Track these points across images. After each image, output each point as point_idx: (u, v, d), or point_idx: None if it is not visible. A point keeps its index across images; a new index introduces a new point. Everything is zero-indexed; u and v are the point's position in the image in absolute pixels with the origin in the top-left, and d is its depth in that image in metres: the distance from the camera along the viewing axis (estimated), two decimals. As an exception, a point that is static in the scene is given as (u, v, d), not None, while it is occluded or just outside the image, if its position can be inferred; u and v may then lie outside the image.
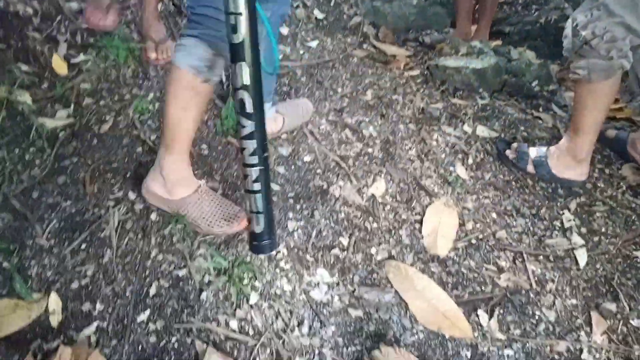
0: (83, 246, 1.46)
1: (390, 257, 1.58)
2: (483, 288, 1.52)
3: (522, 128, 2.06)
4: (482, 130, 2.03)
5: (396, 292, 1.48)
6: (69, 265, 1.42)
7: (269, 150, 1.15)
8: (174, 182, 1.49)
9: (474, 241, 1.64)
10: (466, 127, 2.03)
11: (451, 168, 1.87)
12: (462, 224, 1.68)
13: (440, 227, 1.65)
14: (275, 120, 1.80)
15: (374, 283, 1.51)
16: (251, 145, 1.11)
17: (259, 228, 1.23)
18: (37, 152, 1.62)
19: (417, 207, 1.73)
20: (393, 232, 1.65)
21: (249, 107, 1.06)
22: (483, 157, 1.92)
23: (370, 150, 1.90)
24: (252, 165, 1.13)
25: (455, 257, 1.59)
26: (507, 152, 1.89)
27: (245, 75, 1.01)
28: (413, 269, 1.53)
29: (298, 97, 2.02)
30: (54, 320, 1.30)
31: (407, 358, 1.27)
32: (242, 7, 0.97)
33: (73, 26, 1.96)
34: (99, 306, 1.36)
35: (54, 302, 1.33)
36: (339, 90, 2.12)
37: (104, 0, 1.85)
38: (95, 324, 1.32)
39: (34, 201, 1.52)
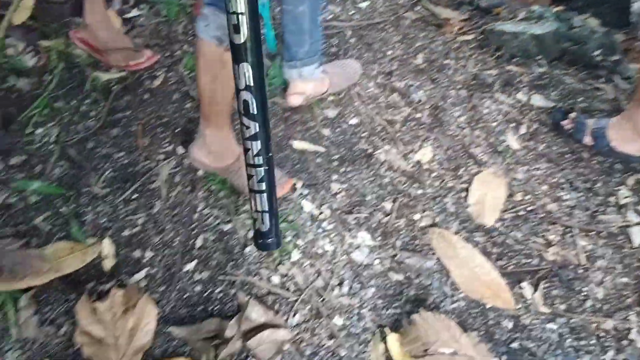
0: (134, 196, 1.51)
1: (434, 224, 1.56)
2: (529, 260, 1.49)
3: (580, 99, 1.96)
4: (537, 100, 1.95)
5: (438, 259, 1.47)
6: (121, 214, 1.48)
7: (272, 150, 1.14)
8: (216, 152, 1.51)
9: (522, 213, 1.60)
10: (520, 96, 1.95)
11: (502, 137, 1.81)
12: (510, 195, 1.64)
13: (488, 196, 1.61)
14: (322, 80, 1.78)
15: (415, 249, 1.50)
16: (256, 146, 1.09)
17: (264, 227, 1.24)
18: (92, 104, 1.67)
19: (465, 175, 1.69)
20: (438, 199, 1.62)
21: (253, 108, 1.04)
22: (537, 127, 1.85)
23: (418, 115, 1.86)
24: (257, 166, 1.13)
25: (501, 228, 1.56)
26: (564, 122, 1.80)
27: (248, 76, 0.99)
28: (457, 237, 1.51)
29: (346, 58, 1.99)
30: (107, 265, 1.37)
31: (447, 324, 1.27)
32: (244, 7, 0.94)
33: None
34: (148, 254, 1.41)
35: (107, 247, 1.39)
36: (389, 53, 2.07)
37: None
38: (145, 270, 1.38)
39: (89, 151, 1.57)
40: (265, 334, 1.26)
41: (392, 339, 1.28)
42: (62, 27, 1.74)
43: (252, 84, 1.00)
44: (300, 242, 1.48)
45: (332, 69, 1.83)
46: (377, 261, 1.46)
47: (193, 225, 1.47)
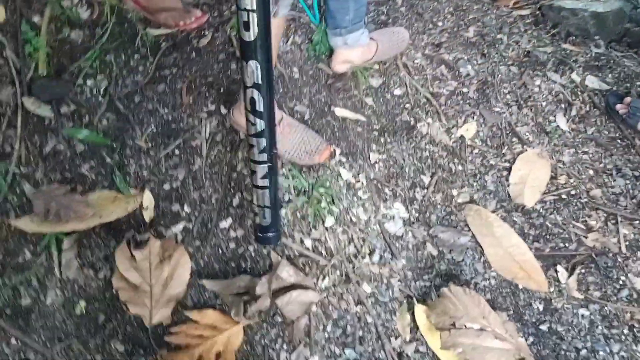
0: (176, 152, 1.55)
1: (472, 201, 1.53)
2: (567, 245, 1.45)
3: (638, 83, 1.86)
4: (591, 81, 1.86)
5: (473, 236, 1.45)
6: (162, 168, 1.51)
7: (277, 147, 1.12)
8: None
9: (564, 196, 1.55)
10: (574, 76, 1.86)
11: (551, 117, 1.74)
12: (554, 177, 1.59)
13: (530, 177, 1.57)
14: (368, 47, 1.75)
15: (450, 224, 1.48)
16: (261, 143, 1.08)
17: (265, 221, 1.24)
18: (140, 59, 1.69)
19: (508, 154, 1.65)
20: (478, 176, 1.59)
21: (260, 106, 1.02)
22: (588, 110, 1.77)
23: (465, 89, 1.81)
24: (261, 162, 1.12)
25: (541, 210, 1.52)
26: (618, 106, 1.72)
27: (257, 74, 0.96)
28: (494, 216, 1.48)
29: (395, 26, 1.94)
30: (147, 216, 1.41)
31: (477, 300, 1.26)
32: (255, 4, 0.90)
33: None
34: (186, 208, 1.45)
35: (148, 199, 1.43)
36: (440, 24, 2.01)
37: None
38: (182, 223, 1.42)
39: (135, 105, 1.61)
40: (294, 294, 1.29)
41: (420, 310, 1.28)
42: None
43: (260, 82, 0.99)
44: (334, 208, 1.48)
45: (380, 36, 1.79)
46: (410, 233, 1.46)
47: (231, 184, 1.50)
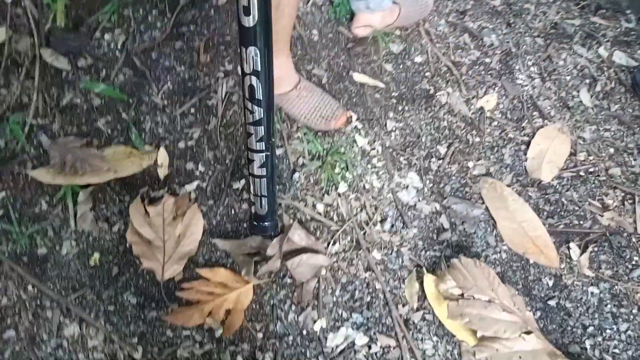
0: (192, 110, 1.54)
1: (488, 173, 1.51)
2: (581, 222, 1.43)
3: (669, 61, 1.80)
4: (619, 57, 1.80)
5: (487, 209, 1.44)
6: (177, 126, 1.51)
7: (275, 137, 1.08)
8: (274, 79, 1.47)
9: (582, 173, 1.52)
10: (602, 51, 1.80)
11: (574, 92, 1.70)
12: (573, 154, 1.56)
13: (549, 152, 1.54)
14: (391, 11, 1.70)
15: (464, 196, 1.47)
16: (259, 131, 1.04)
17: (261, 211, 1.22)
18: (159, 15, 1.67)
19: (528, 128, 1.61)
20: (495, 149, 1.57)
21: (259, 94, 0.97)
22: (614, 86, 1.72)
23: (487, 60, 1.76)
24: (259, 151, 1.08)
25: (557, 186, 1.50)
26: (645, 84, 1.67)
27: (256, 60, 0.92)
28: (509, 190, 1.46)
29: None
30: (161, 173, 1.42)
31: (487, 272, 1.26)
32: None
33: None
34: (200, 167, 1.45)
35: (163, 156, 1.44)
36: (465, -10, 1.94)
37: None
38: (196, 182, 1.43)
39: (152, 61, 1.60)
40: (305, 257, 1.29)
41: (429, 279, 1.28)
42: None
43: (259, 69, 0.95)
44: (348, 175, 1.48)
45: (403, 0, 1.74)
46: (423, 203, 1.45)
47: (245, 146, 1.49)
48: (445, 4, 1.90)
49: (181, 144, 1.48)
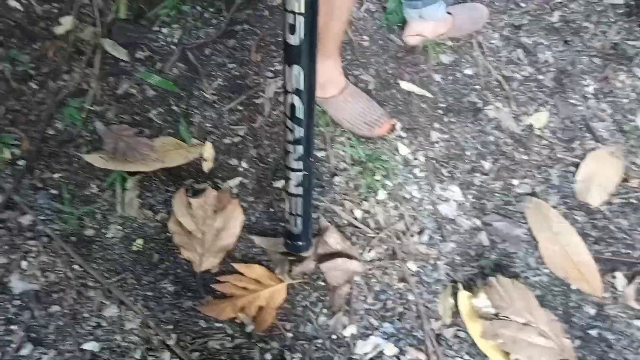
0: (240, 108, 1.57)
1: (533, 193, 1.48)
2: (629, 252, 1.38)
3: None
4: (682, 83, 1.72)
5: (529, 229, 1.40)
6: (225, 122, 1.54)
7: (314, 155, 1.06)
8: (321, 82, 1.48)
9: (634, 201, 1.46)
10: (664, 75, 1.73)
11: (630, 116, 1.64)
12: (625, 180, 1.50)
13: (599, 176, 1.49)
14: (444, 21, 1.69)
15: (507, 214, 1.44)
16: (298, 150, 1.02)
17: (296, 230, 1.21)
18: (215, 12, 1.71)
19: (578, 149, 1.57)
20: (543, 168, 1.53)
21: (300, 113, 0.95)
22: (674, 113, 1.65)
23: (540, 77, 1.72)
24: (297, 170, 1.06)
25: (606, 212, 1.44)
26: None
27: (299, 79, 0.90)
28: (555, 211, 1.42)
29: (475, 2, 1.85)
30: (206, 166, 1.45)
31: (524, 293, 1.23)
32: (304, 7, 0.82)
33: None
34: (244, 164, 1.48)
35: (209, 150, 1.47)
36: (522, 5, 1.90)
37: None
38: (238, 178, 1.45)
39: (205, 57, 1.64)
40: (339, 261, 1.30)
41: (464, 295, 1.26)
42: None
43: (302, 88, 0.94)
44: (388, 183, 1.47)
45: (457, 11, 1.72)
46: (463, 218, 1.43)
47: (289, 146, 1.51)
48: (500, 17, 1.86)
49: (227, 140, 1.51)
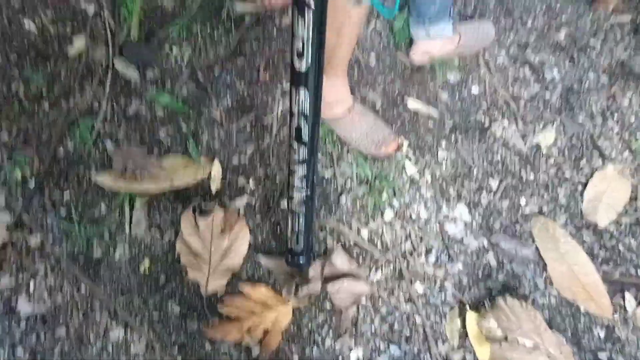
0: (247, 127, 1.58)
1: (540, 212, 1.47)
2: (638, 272, 1.37)
3: None
4: (691, 101, 1.72)
5: (537, 249, 1.40)
6: (233, 141, 1.55)
7: (318, 176, 1.09)
8: (329, 101, 1.49)
9: (643, 221, 1.46)
10: (672, 93, 1.73)
11: (639, 134, 1.63)
12: (633, 199, 1.49)
13: (607, 195, 1.48)
14: (451, 39, 1.70)
15: (514, 234, 1.44)
16: (301, 170, 1.06)
17: (297, 247, 1.23)
18: (224, 32, 1.73)
19: (586, 168, 1.56)
20: (550, 187, 1.52)
21: (305, 135, 0.98)
22: (683, 132, 1.64)
23: (547, 95, 1.72)
24: (300, 189, 1.10)
25: (614, 232, 1.43)
26: None
27: (305, 102, 0.92)
28: (562, 231, 1.41)
29: (481, 20, 1.86)
30: (214, 186, 1.46)
31: (533, 316, 1.22)
32: (311, 33, 0.84)
33: None
34: (251, 183, 1.49)
35: (217, 169, 1.48)
36: (529, 23, 1.91)
37: None
38: (246, 198, 1.46)
39: (214, 77, 1.65)
40: (346, 282, 1.30)
41: (471, 317, 1.26)
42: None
43: (307, 112, 0.96)
44: (395, 202, 1.47)
45: (464, 29, 1.73)
46: (470, 238, 1.42)
47: (296, 165, 1.52)
48: (507, 35, 1.87)
49: (235, 159, 1.52)
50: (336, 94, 1.48)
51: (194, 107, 1.59)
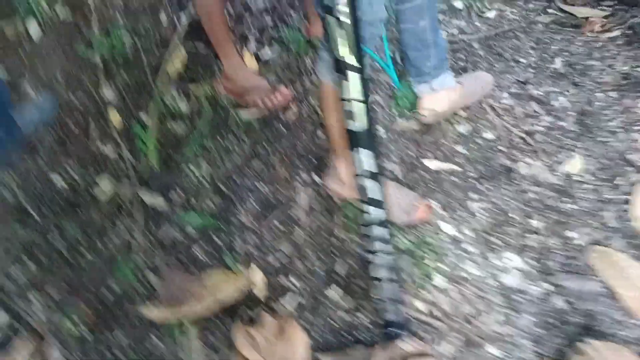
0: (277, 224, 1.59)
1: (594, 241, 1.41)
2: None
3: None
4: None
5: (602, 280, 1.33)
6: (266, 241, 1.56)
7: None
8: (349, 182, 1.51)
9: (702, 225, 1.38)
10: (685, 91, 1.71)
11: (666, 139, 1.60)
12: (685, 205, 1.43)
13: (655, 208, 1.43)
14: (454, 89, 1.72)
15: (573, 270, 1.37)
16: (377, 231, 1.05)
17: (394, 315, 1.20)
18: (236, 140, 1.80)
19: (623, 184, 1.52)
20: (594, 213, 1.47)
21: (374, 193, 1.00)
22: None
23: (562, 123, 1.72)
24: (380, 252, 1.08)
25: (676, 243, 1.36)
26: None
27: (367, 162, 0.95)
28: (623, 256, 1.35)
29: (475, 71, 1.91)
30: (258, 292, 1.44)
31: (621, 354, 1.13)
32: (360, 91, 0.89)
33: (259, 23, 2.12)
34: (294, 280, 1.47)
35: (257, 274, 1.47)
36: (522, 60, 1.95)
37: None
38: (291, 296, 1.43)
39: (235, 184, 1.69)
40: (415, 362, 1.23)
41: (557, 370, 1.17)
42: (208, 74, 1.92)
43: (371, 169, 0.97)
44: (441, 265, 1.43)
45: (463, 79, 1.77)
46: (530, 285, 1.36)
47: (334, 252, 1.50)
48: (505, 77, 1.91)
49: (271, 259, 1.52)
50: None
51: (222, 218, 1.62)
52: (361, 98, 0.90)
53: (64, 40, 1.95)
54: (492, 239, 1.48)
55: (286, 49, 2.03)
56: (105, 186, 1.67)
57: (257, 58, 1.99)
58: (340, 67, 0.89)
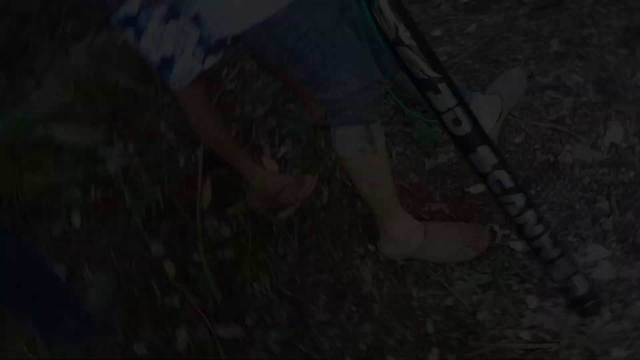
0: (353, 308, 1.56)
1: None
2: None
3: None
4: None
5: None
6: (349, 330, 1.52)
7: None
8: (402, 240, 1.49)
9: None
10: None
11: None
12: None
13: None
14: (493, 101, 1.64)
15: (665, 238, 1.27)
16: (530, 216, 1.05)
17: (581, 289, 1.16)
18: (284, 243, 1.82)
19: (677, 131, 1.43)
20: (660, 173, 1.38)
21: (508, 183, 1.01)
22: None
23: (584, 98, 1.66)
24: (540, 235, 1.07)
25: None
26: None
27: (488, 156, 0.97)
28: None
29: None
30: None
31: None
32: (453, 97, 0.93)
33: (266, 128, 2.21)
34: (390, 358, 1.42)
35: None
36: (519, 57, 1.93)
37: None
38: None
39: (299, 285, 1.70)
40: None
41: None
42: (239, 193, 1.99)
43: (497, 160, 0.98)
44: (529, 285, 1.36)
45: (495, 86, 1.72)
46: (627, 270, 1.26)
47: (417, 313, 1.45)
48: (509, 78, 1.89)
49: (362, 346, 1.48)
50: (405, 230, 1.48)
51: (298, 323, 1.61)
52: (457, 102, 0.94)
53: (105, 216, 2.09)
54: (567, 238, 1.40)
55: (298, 140, 2.10)
56: (184, 339, 1.70)
57: (275, 158, 2.06)
58: (428, 86, 0.94)
